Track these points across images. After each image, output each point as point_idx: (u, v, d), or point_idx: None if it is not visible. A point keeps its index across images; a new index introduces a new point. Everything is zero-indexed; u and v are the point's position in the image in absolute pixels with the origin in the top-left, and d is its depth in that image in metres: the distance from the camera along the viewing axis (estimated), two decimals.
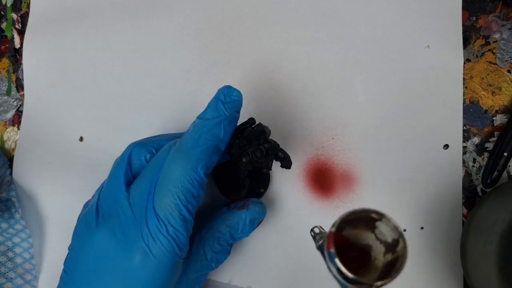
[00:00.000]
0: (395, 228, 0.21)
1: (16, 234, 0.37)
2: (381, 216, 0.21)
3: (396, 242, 0.21)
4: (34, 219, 0.38)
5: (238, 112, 0.28)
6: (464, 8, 0.36)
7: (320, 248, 0.25)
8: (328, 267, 0.21)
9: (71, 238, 0.30)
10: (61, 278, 0.29)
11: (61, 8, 0.38)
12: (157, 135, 0.31)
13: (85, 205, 0.31)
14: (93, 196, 0.31)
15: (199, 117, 0.28)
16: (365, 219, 0.22)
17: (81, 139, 0.38)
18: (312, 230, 0.26)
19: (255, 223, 0.32)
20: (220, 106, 0.27)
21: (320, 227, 0.26)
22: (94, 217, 0.28)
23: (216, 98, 0.28)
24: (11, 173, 0.38)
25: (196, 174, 0.26)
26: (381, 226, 0.22)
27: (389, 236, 0.22)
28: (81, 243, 0.28)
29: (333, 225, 0.21)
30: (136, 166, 0.29)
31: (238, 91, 0.28)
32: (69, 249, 0.29)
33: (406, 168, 0.36)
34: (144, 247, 0.25)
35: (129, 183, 0.28)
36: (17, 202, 0.37)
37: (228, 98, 0.28)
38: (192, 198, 0.26)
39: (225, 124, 0.27)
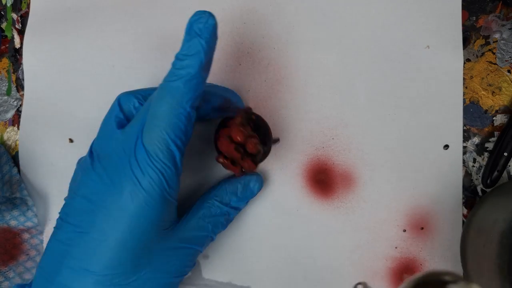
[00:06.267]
0: None
1: (26, 231, 0.38)
2: (456, 278, 0.19)
3: None
4: (39, 222, 0.38)
5: (215, 35, 0.27)
6: (464, 8, 0.36)
7: None
8: None
9: (68, 189, 0.30)
10: (55, 226, 0.29)
11: (61, 8, 0.38)
12: (145, 88, 0.31)
13: (78, 160, 0.32)
14: None
15: (177, 57, 0.27)
16: (434, 283, 0.20)
17: (70, 140, 0.38)
18: (355, 287, 0.26)
19: (253, 189, 0.34)
20: (194, 40, 0.26)
21: (365, 283, 0.26)
22: (89, 162, 0.28)
23: (189, 32, 0.26)
24: (18, 172, 0.38)
25: (182, 109, 0.26)
26: None
27: None
28: (76, 188, 0.29)
29: None
30: (127, 112, 0.30)
31: (210, 15, 0.27)
32: (64, 199, 0.30)
33: (406, 169, 0.36)
34: (133, 178, 0.26)
35: (121, 126, 0.29)
36: (31, 200, 0.37)
37: (202, 26, 0.26)
38: (180, 133, 0.26)
39: (205, 52, 0.26)
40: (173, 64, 0.27)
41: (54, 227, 0.29)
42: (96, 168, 0.28)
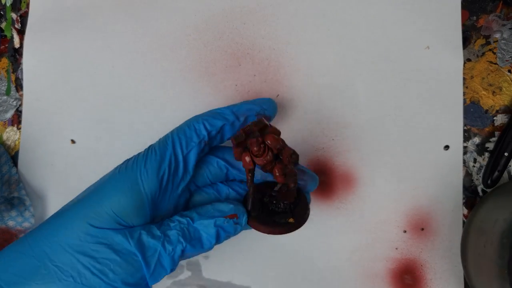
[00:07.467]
0: None
1: (23, 232, 0.38)
2: None
3: None
4: (36, 222, 0.38)
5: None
6: (465, 7, 0.36)
7: None
8: None
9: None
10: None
11: (61, 8, 0.38)
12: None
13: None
14: None
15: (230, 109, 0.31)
16: None
17: (72, 141, 0.38)
18: None
19: (223, 210, 0.29)
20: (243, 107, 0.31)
21: None
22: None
23: (251, 104, 0.31)
24: (17, 172, 0.38)
25: (195, 121, 0.29)
26: None
27: None
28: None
29: None
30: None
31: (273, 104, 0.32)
32: None
33: (406, 169, 0.36)
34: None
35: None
36: (29, 200, 0.37)
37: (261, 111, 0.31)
38: (183, 135, 0.29)
39: (229, 125, 0.30)
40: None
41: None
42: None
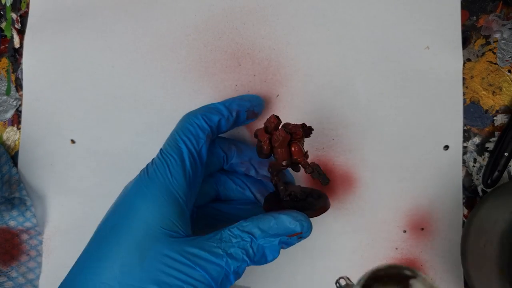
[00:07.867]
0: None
1: (25, 232, 0.38)
2: (415, 274, 0.20)
3: None
4: (37, 222, 0.38)
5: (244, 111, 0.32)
6: (465, 7, 0.36)
7: None
8: None
9: None
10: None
11: (61, 8, 0.38)
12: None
13: None
14: None
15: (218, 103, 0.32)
16: (396, 276, 0.20)
17: (72, 141, 0.38)
18: (337, 281, 0.26)
19: (290, 228, 0.28)
20: (233, 104, 0.32)
21: (347, 278, 0.26)
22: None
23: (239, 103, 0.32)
24: (17, 172, 0.38)
25: (195, 117, 0.30)
26: (416, 285, 0.20)
27: None
28: None
29: (358, 283, 0.20)
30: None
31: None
32: None
33: (406, 169, 0.35)
34: (144, 170, 0.29)
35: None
36: (30, 200, 0.37)
37: (250, 107, 0.32)
38: (190, 134, 0.30)
39: (225, 115, 0.31)
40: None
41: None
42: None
